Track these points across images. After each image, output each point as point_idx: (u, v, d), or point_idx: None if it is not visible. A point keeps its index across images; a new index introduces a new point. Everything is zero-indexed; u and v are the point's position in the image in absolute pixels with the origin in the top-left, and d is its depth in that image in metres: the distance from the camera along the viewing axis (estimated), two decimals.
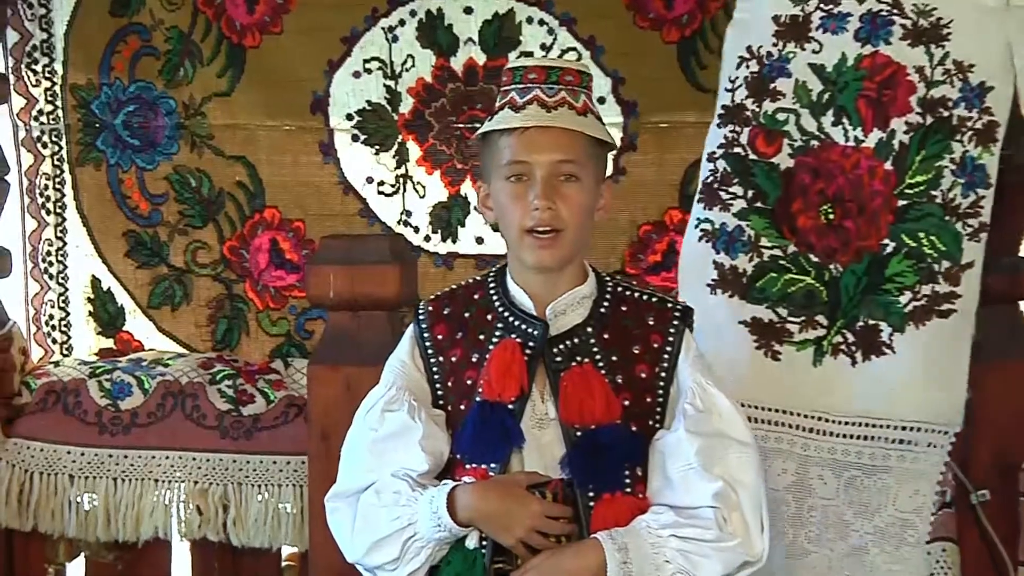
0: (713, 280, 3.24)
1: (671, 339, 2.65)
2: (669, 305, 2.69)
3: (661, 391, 2.63)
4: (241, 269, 4.13)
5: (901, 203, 3.16)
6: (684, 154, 3.89)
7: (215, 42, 4.06)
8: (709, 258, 3.25)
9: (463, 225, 4.05)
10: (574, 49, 3.95)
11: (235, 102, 4.08)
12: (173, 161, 4.12)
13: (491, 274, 2.74)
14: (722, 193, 3.25)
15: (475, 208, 3.97)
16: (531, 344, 2.61)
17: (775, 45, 3.25)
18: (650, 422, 2.62)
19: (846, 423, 3.19)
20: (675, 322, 2.66)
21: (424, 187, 4.06)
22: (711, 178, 3.27)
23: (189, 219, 4.13)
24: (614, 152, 2.90)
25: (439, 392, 2.68)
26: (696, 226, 3.28)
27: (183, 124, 4.10)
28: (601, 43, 3.95)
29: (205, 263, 4.14)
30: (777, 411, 3.21)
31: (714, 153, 3.29)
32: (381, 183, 4.07)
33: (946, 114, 3.16)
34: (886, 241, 3.18)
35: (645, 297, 2.70)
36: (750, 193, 3.24)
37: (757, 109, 3.25)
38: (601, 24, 3.94)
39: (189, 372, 3.94)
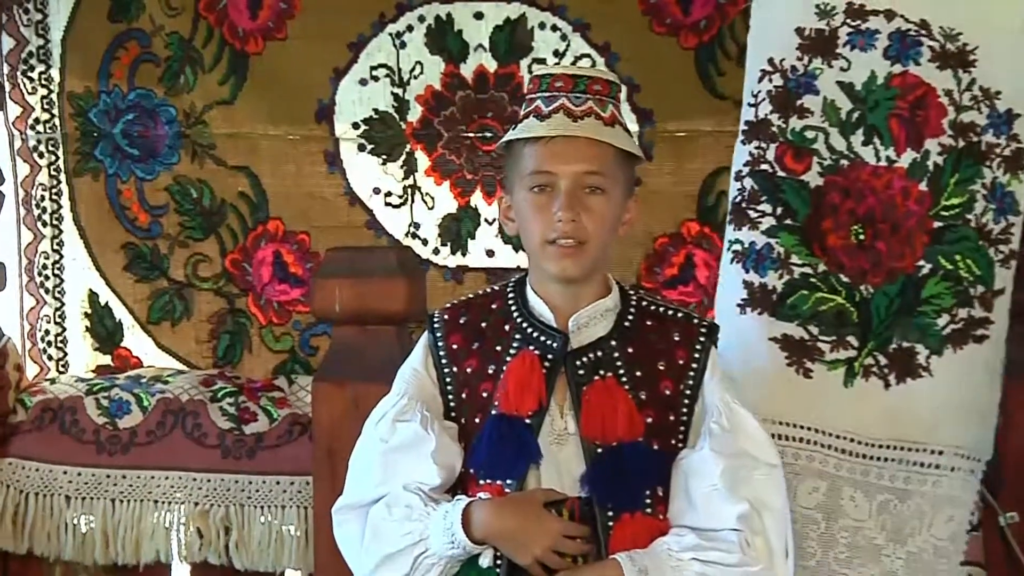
0: (743, 299, 3.20)
1: (697, 356, 2.63)
2: (695, 321, 2.68)
3: (685, 409, 2.60)
4: (243, 283, 4.09)
5: (937, 224, 3.14)
6: (702, 163, 3.86)
7: (217, 48, 4.03)
8: (739, 278, 3.22)
9: (473, 237, 4.02)
10: (588, 55, 3.92)
11: (238, 110, 4.05)
12: (173, 171, 4.09)
13: (510, 284, 2.71)
14: (751, 212, 3.22)
15: (486, 221, 3.97)
16: (550, 356, 2.58)
17: (800, 59, 3.20)
18: (672, 441, 2.59)
19: (879, 446, 3.15)
20: (701, 339, 2.65)
21: (433, 198, 4.02)
22: (739, 197, 3.24)
23: (190, 231, 4.10)
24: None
25: (452, 403, 2.65)
26: (728, 248, 3.25)
27: (184, 133, 4.07)
28: (616, 49, 3.90)
29: (206, 277, 4.10)
30: (809, 429, 3.17)
31: (741, 171, 3.25)
32: (388, 194, 4.03)
33: (975, 139, 3.13)
34: (922, 262, 3.14)
35: (671, 312, 2.68)
36: (779, 210, 3.20)
37: (784, 125, 3.21)
38: (616, 29, 3.90)
39: (189, 389, 3.90)
